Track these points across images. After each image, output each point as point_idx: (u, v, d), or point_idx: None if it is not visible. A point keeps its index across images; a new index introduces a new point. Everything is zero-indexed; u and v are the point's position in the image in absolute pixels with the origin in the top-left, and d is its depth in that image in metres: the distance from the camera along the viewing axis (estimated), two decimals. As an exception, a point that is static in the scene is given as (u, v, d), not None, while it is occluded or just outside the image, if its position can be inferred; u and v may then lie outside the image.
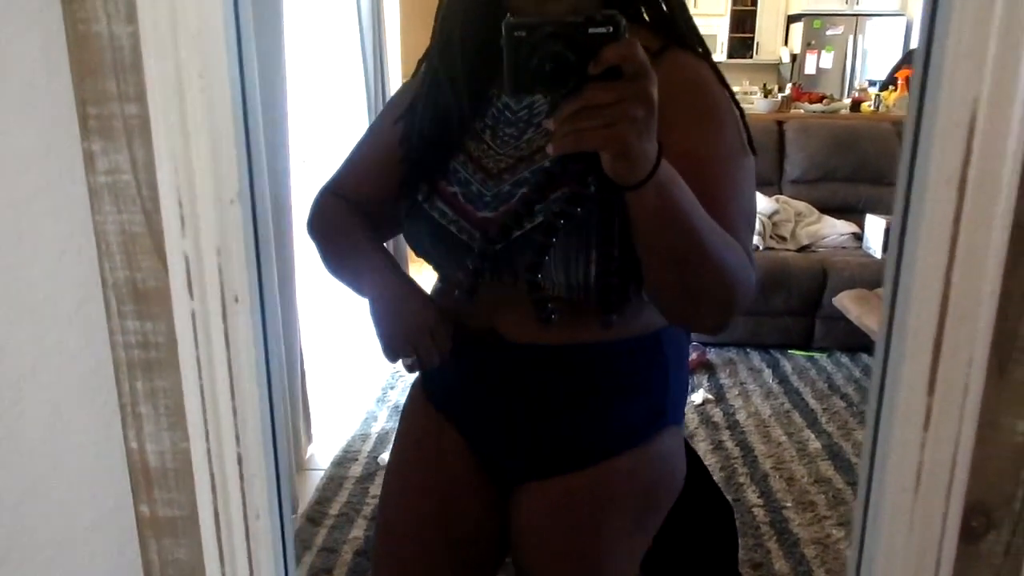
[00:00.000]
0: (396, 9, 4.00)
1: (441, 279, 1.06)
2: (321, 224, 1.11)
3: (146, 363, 0.54)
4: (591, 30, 0.65)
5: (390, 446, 2.48)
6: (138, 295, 0.53)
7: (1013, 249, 0.44)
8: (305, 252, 2.92)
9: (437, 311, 1.00)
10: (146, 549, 0.58)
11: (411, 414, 1.14)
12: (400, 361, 1.02)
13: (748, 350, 3.77)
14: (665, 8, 0.95)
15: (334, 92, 3.71)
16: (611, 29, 0.65)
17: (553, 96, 0.68)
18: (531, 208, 0.89)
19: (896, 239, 0.46)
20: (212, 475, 0.51)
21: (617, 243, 0.86)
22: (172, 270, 0.51)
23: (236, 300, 0.48)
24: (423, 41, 1.03)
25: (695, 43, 0.94)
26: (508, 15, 0.70)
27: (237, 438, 0.49)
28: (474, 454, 1.07)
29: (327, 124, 3.70)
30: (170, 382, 0.53)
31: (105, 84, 0.51)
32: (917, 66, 0.43)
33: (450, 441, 1.08)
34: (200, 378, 0.50)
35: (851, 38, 7.60)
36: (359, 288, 1.06)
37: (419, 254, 1.02)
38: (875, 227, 3.75)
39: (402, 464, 1.13)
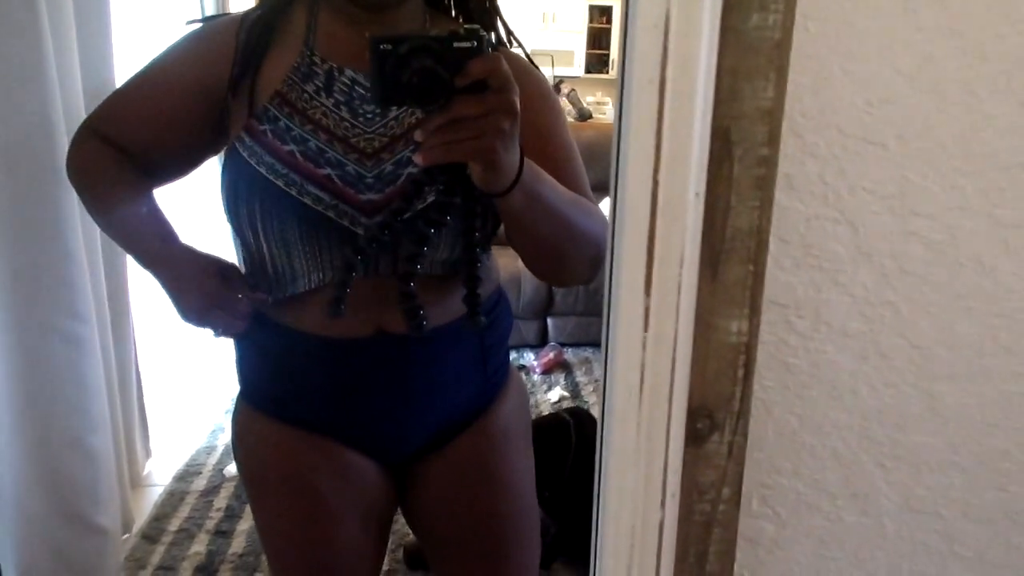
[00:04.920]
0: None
1: (282, 276, 0.98)
2: (82, 174, 1.03)
3: None
4: (456, 44, 0.67)
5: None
6: None
7: (714, 151, 0.46)
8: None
9: (220, 277, 1.01)
10: None
11: (260, 443, 1.07)
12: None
13: (603, 349, 3.89)
14: (488, 6, 1.02)
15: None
16: (475, 43, 0.67)
17: (422, 109, 0.70)
18: (398, 217, 0.86)
19: (614, 146, 0.47)
20: None
21: (480, 227, 0.91)
22: None
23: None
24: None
25: (513, 38, 1.04)
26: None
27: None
28: (359, 453, 1.05)
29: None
30: None
31: None
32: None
33: (322, 454, 1.04)
34: None
35: (697, 57, 8.08)
36: (131, 252, 1.04)
37: (272, 244, 0.94)
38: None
39: (281, 508, 1.07)
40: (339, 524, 1.04)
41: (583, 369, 3.65)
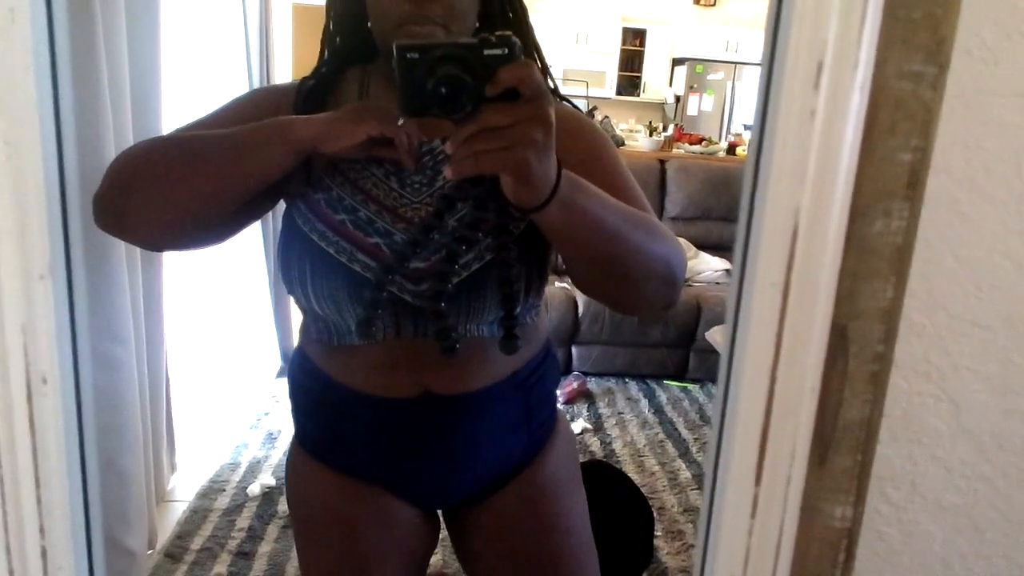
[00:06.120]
0: (287, 29, 3.85)
1: (339, 339, 0.99)
2: (131, 165, 0.87)
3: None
4: (486, 52, 0.64)
5: (260, 476, 2.36)
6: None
7: (831, 348, 0.47)
8: (174, 266, 2.78)
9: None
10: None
11: (308, 485, 1.09)
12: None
13: (626, 380, 3.87)
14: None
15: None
16: (507, 51, 0.64)
17: (449, 119, 0.66)
18: (429, 234, 0.85)
19: (728, 340, 0.48)
20: (11, 573, 0.46)
21: (517, 265, 0.86)
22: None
23: (44, 382, 0.44)
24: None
25: (547, 72, 1.01)
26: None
27: (41, 530, 0.45)
28: (402, 500, 1.07)
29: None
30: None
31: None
32: (746, 177, 0.45)
33: (366, 501, 1.06)
34: (-2, 466, 0.45)
35: (730, 84, 8.04)
36: (241, 160, 0.85)
37: (323, 303, 0.94)
38: (746, 264, 3.95)
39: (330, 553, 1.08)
40: (378, 566, 1.06)
41: (606, 400, 3.64)
